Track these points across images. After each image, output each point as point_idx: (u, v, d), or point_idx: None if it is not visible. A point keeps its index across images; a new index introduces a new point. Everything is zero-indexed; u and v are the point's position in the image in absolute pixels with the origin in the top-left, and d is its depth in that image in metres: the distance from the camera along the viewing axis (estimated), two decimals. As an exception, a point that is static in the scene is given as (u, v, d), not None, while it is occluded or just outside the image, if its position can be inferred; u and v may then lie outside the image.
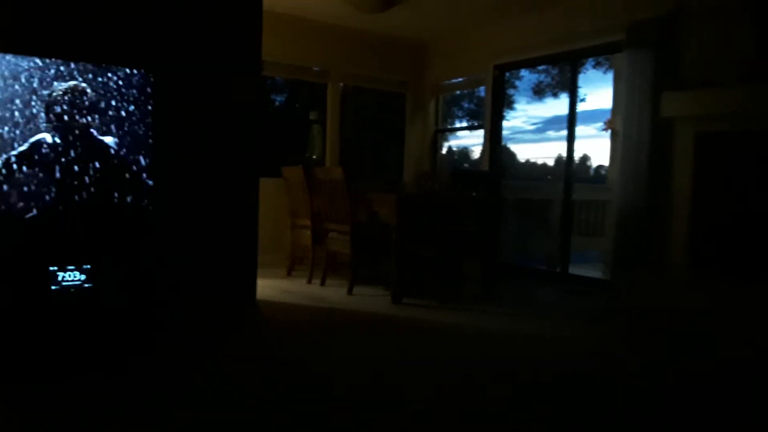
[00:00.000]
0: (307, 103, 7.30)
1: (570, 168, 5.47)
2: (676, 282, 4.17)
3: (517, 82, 11.78)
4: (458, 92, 9.58)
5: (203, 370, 2.67)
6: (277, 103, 8.30)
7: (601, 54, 5.56)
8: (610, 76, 6.77)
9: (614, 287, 4.57)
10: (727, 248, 4.06)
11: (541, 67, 10.31)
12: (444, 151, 10.42)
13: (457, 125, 11.55)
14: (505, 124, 6.15)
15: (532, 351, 3.25)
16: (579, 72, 5.46)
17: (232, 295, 3.69)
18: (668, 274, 4.27)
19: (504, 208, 6.26)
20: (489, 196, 4.78)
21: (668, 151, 4.38)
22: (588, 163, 11.92)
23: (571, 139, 5.35)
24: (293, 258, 5.30)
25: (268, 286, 4.65)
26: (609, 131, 5.70)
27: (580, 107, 5.48)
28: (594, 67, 9.98)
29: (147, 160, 3.30)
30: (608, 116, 6.05)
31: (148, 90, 3.28)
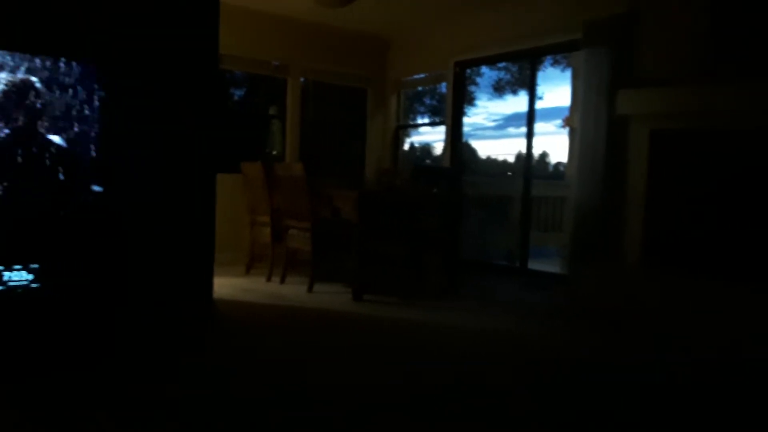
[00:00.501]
0: (267, 97, 7.18)
1: (529, 165, 5.53)
2: (630, 276, 4.26)
3: (478, 79, 11.86)
4: (420, 88, 9.61)
5: (150, 374, 2.59)
6: (236, 98, 8.16)
7: (560, 52, 5.63)
8: (568, 74, 6.86)
9: (571, 282, 4.64)
10: (679, 243, 4.17)
11: (501, 65, 10.43)
12: (406, 147, 10.41)
13: (419, 121, 11.53)
14: (466, 120, 6.18)
15: (491, 346, 3.27)
16: (538, 70, 5.52)
17: (187, 294, 3.58)
18: (623, 269, 4.36)
19: (465, 204, 6.30)
20: (450, 192, 4.80)
21: (624, 148, 4.45)
22: (547, 160, 12.11)
23: (530, 136, 5.41)
24: (252, 256, 5.21)
25: (226, 285, 4.55)
26: (567, 128, 5.79)
27: (539, 105, 5.55)
28: (552, 65, 10.14)
29: (96, 157, 3.17)
30: (566, 114, 6.14)
31: (95, 83, 3.15)
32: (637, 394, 2.53)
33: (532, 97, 5.39)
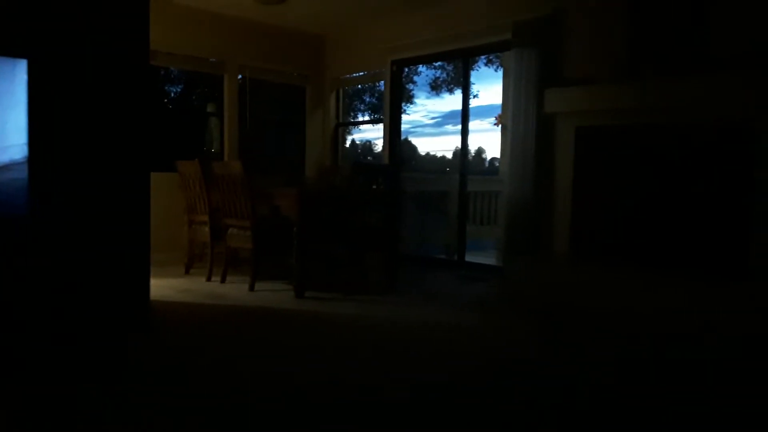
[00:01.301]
0: (205, 95, 7.08)
1: (464, 161, 5.70)
2: (558, 267, 4.49)
3: (416, 78, 12.10)
4: (360, 86, 9.71)
5: (78, 384, 2.56)
6: (172, 95, 8.00)
7: (491, 52, 5.84)
8: (501, 73, 7.12)
9: (505, 273, 4.84)
10: (605, 235, 4.42)
11: (438, 64, 10.68)
12: (348, 144, 10.45)
13: (360, 119, 11.67)
14: (405, 118, 6.32)
15: (425, 339, 3.39)
16: (472, 69, 5.70)
17: (121, 296, 3.52)
18: (552, 260, 4.58)
19: (405, 200, 6.42)
20: (389, 189, 4.89)
21: (552, 144, 4.68)
22: (483, 156, 12.48)
23: (464, 133, 5.58)
24: (191, 255, 5.15)
25: (164, 286, 4.49)
26: (500, 126, 6.01)
27: (474, 103, 5.74)
28: (486, 64, 10.46)
29: (23, 155, 3.07)
30: (499, 112, 6.37)
31: (22, 78, 3.05)
32: (558, 392, 2.70)
33: (466, 96, 5.56)
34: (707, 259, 3.87)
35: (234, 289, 4.51)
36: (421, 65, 8.20)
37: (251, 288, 4.48)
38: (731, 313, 3.52)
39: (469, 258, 5.74)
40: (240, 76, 6.19)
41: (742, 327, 3.44)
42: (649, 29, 4.19)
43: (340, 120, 6.91)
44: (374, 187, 4.85)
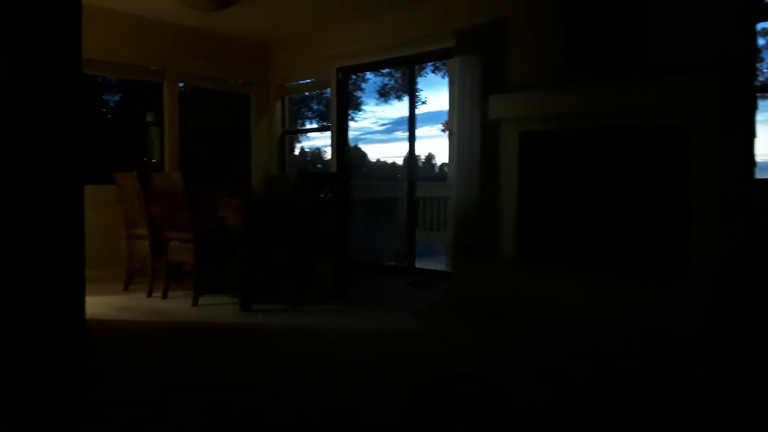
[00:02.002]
0: (146, 104, 6.86)
1: (412, 167, 5.70)
2: (506, 271, 4.52)
3: (364, 85, 12.12)
4: (307, 93, 9.62)
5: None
6: (111, 104, 7.72)
7: (436, 59, 5.87)
8: (447, 79, 7.18)
9: (454, 278, 4.85)
10: (550, 238, 4.48)
11: (385, 71, 10.71)
12: (297, 152, 10.33)
13: (308, 126, 11.57)
14: (355, 125, 6.29)
15: (377, 346, 3.34)
16: (417, 76, 5.71)
17: (53, 316, 3.33)
18: (500, 264, 4.62)
19: (354, 208, 6.37)
20: (338, 197, 4.83)
21: (497, 150, 4.72)
22: (434, 162, 12.59)
23: (412, 139, 5.58)
24: (131, 271, 4.94)
25: (101, 303, 4.30)
26: (447, 132, 6.03)
27: (423, 109, 5.76)
28: (433, 71, 10.57)
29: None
30: (446, 118, 6.41)
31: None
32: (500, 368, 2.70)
33: (413, 103, 5.57)
34: (649, 259, 3.96)
35: (176, 305, 4.35)
36: (368, 72, 8.19)
37: (195, 303, 4.33)
38: (672, 312, 3.61)
39: (419, 264, 5.74)
40: (181, 85, 6.02)
41: (681, 325, 3.53)
42: (587, 36, 4.28)
43: (287, 128, 6.80)
44: (322, 195, 4.78)
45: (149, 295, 4.62)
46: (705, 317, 3.51)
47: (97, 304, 4.19)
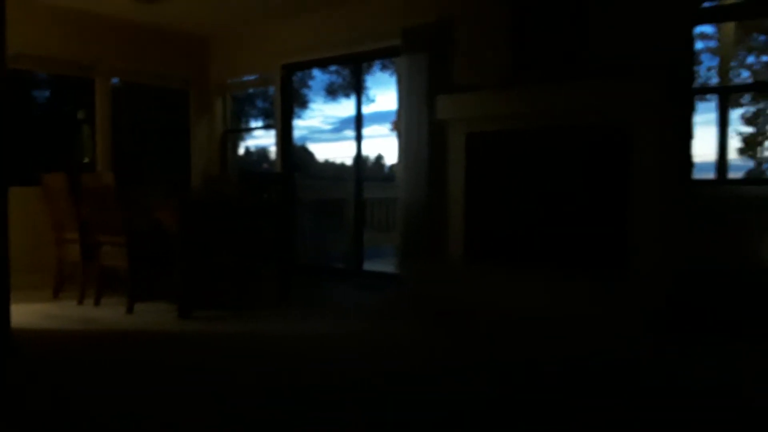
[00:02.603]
0: (77, 101, 6.50)
1: (360, 168, 5.60)
2: (454, 271, 4.49)
3: (311, 82, 11.90)
4: (251, 90, 9.37)
5: None
6: (40, 101, 7.28)
7: (382, 57, 5.79)
8: (396, 78, 7.11)
9: (402, 280, 4.78)
10: (497, 237, 4.47)
11: (333, 68, 10.54)
12: (242, 151, 10.05)
13: (252, 125, 11.26)
14: (302, 123, 6.13)
15: (320, 351, 3.23)
16: (364, 74, 5.62)
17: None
18: (448, 264, 4.58)
19: (301, 209, 6.23)
20: (282, 198, 4.69)
21: (444, 150, 4.68)
22: (383, 162, 12.52)
23: (359, 139, 5.48)
24: (60, 277, 4.64)
25: (28, 312, 4.02)
26: (395, 131, 5.96)
27: (372, 108, 5.66)
28: (381, 69, 10.47)
29: None
30: (395, 117, 6.34)
31: None
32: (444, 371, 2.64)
33: (359, 101, 5.47)
34: (594, 257, 4.00)
35: (109, 313, 4.11)
36: (315, 69, 8.04)
37: (129, 310, 4.10)
38: (614, 310, 3.66)
39: (368, 266, 5.65)
40: (116, 80, 5.72)
41: (623, 323, 3.58)
42: (533, 37, 4.29)
43: (228, 126, 6.56)
44: (265, 196, 4.63)
45: (80, 302, 4.36)
46: (647, 315, 3.57)
47: (24, 313, 3.92)
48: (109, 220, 4.12)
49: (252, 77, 6.33)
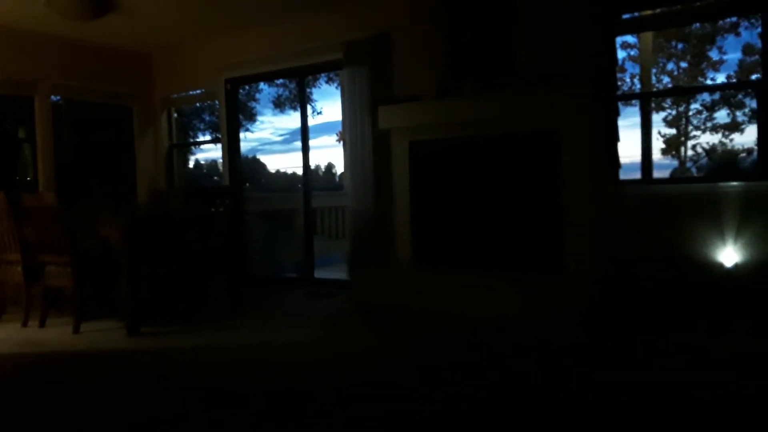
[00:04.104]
0: (18, 119, 6.36)
1: (308, 178, 5.68)
2: (402, 276, 4.62)
3: (259, 95, 11.92)
4: (199, 104, 9.32)
5: None
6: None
7: (325, 71, 5.90)
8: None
9: (352, 286, 4.88)
10: (442, 242, 4.62)
11: (279, 81, 10.61)
12: (192, 165, 9.97)
13: (200, 138, 11.17)
14: (252, 135, 6.19)
15: (269, 362, 3.29)
16: (309, 87, 5.73)
17: None
18: (396, 270, 4.70)
19: (252, 220, 6.25)
20: (230, 211, 4.72)
21: (389, 159, 4.81)
22: (333, 171, 12.63)
23: (305, 150, 5.56)
24: (3, 299, 4.54)
25: (-32, 338, 3.93)
26: (341, 142, 6.08)
27: (320, 119, 5.76)
28: (327, 81, 10.59)
29: None
30: (340, 128, 6.46)
31: None
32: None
33: (304, 114, 5.56)
34: (534, 258, 4.19)
35: (55, 334, 4.05)
36: (262, 83, 8.08)
37: (76, 330, 4.05)
38: (553, 308, 3.85)
39: (320, 274, 5.72)
40: (58, 98, 5.63)
41: (561, 321, 3.77)
42: (467, 49, 4.49)
43: (174, 141, 6.53)
44: (213, 209, 4.65)
45: (24, 324, 4.27)
46: (582, 312, 3.77)
47: (-37, 339, 3.83)
48: (52, 240, 4.07)
49: (197, 92, 6.33)
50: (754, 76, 9.28)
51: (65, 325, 4.18)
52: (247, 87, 6.59)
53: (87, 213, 4.41)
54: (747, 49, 10.12)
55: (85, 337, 3.94)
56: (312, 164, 5.64)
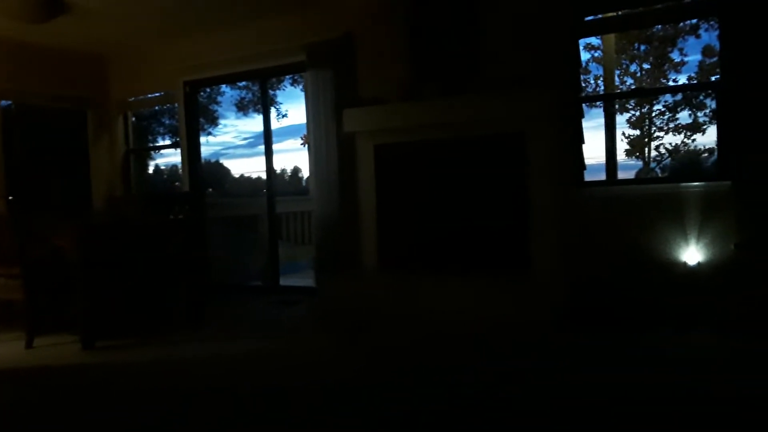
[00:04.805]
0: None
1: (272, 183, 5.57)
2: (369, 282, 4.54)
3: (221, 98, 11.67)
4: (158, 108, 9.08)
5: None
6: None
7: (288, 73, 5.82)
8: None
9: (319, 293, 4.78)
10: (409, 246, 4.57)
11: (242, 84, 10.42)
12: (151, 170, 9.71)
13: (160, 142, 10.82)
14: (215, 139, 6.06)
15: (231, 373, 3.19)
16: (273, 89, 5.62)
17: None
18: (363, 275, 4.63)
19: (216, 227, 6.09)
20: (190, 217, 4.58)
21: (354, 162, 4.74)
22: (300, 175, 12.47)
23: (269, 154, 5.45)
24: (-52, 315, 4.31)
25: None
26: (306, 145, 5.98)
27: (285, 122, 5.65)
28: (292, 84, 10.44)
29: None
30: (305, 132, 6.35)
31: None
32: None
33: (267, 117, 5.44)
34: (502, 260, 4.17)
35: (6, 349, 3.85)
36: (224, 85, 7.92)
37: (28, 345, 3.86)
38: (521, 309, 3.82)
39: (286, 281, 5.62)
40: (9, 103, 5.39)
41: (530, 322, 3.75)
42: (432, 52, 4.44)
43: (131, 146, 6.32)
44: (172, 216, 4.51)
45: (-28, 340, 4.06)
46: (550, 313, 3.75)
47: None
48: (2, 251, 3.87)
49: (155, 95, 6.14)
50: (713, 78, 9.52)
51: (17, 340, 3.98)
52: (208, 89, 6.43)
53: (39, 222, 4.22)
54: (707, 51, 10.38)
55: (38, 353, 3.76)
56: (278, 168, 5.56)
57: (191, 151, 5.70)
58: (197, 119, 5.87)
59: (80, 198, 5.98)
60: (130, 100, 6.17)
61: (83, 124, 6.04)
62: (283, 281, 5.60)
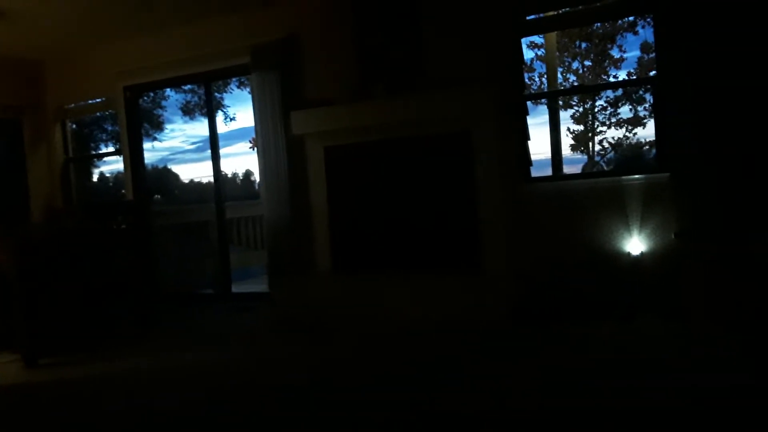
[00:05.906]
0: None
1: (220, 187, 5.45)
2: (322, 285, 4.51)
3: (165, 102, 11.36)
4: (99, 114, 8.76)
5: None
6: None
7: (233, 75, 5.72)
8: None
9: (273, 298, 4.71)
10: (361, 247, 4.55)
11: (187, 87, 10.16)
12: (96, 178, 9.37)
13: (103, 150, 10.46)
14: (161, 145, 5.85)
15: (178, 385, 3.11)
16: (220, 92, 5.51)
17: None
18: (316, 278, 4.59)
19: (164, 235, 5.92)
20: (134, 226, 4.44)
21: (305, 164, 4.69)
22: (252, 179, 12.27)
23: (216, 159, 5.34)
24: None
25: None
26: (255, 149, 5.88)
27: (234, 126, 5.52)
28: (239, 87, 10.25)
29: None
30: (253, 135, 6.25)
31: None
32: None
33: (212, 120, 5.34)
34: (454, 258, 4.20)
35: (-61, 373, 3.64)
36: (168, 89, 7.72)
37: (-37, 366, 3.67)
38: (474, 306, 3.86)
39: (239, 288, 5.52)
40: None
41: (482, 318, 3.79)
42: (377, 53, 4.44)
43: (71, 154, 6.08)
44: (115, 226, 4.36)
45: None
46: (501, 310, 3.79)
47: None
48: (-72, 269, 3.66)
49: (95, 101, 5.93)
50: (651, 73, 9.88)
51: (-49, 362, 3.77)
52: (151, 94, 6.22)
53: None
54: (645, 47, 10.76)
55: (-26, 375, 3.57)
56: (229, 172, 5.47)
57: (134, 157, 5.51)
58: (140, 125, 5.69)
59: (17, 210, 5.70)
60: (69, 107, 5.93)
61: (19, 134, 5.76)
62: (236, 288, 5.50)
